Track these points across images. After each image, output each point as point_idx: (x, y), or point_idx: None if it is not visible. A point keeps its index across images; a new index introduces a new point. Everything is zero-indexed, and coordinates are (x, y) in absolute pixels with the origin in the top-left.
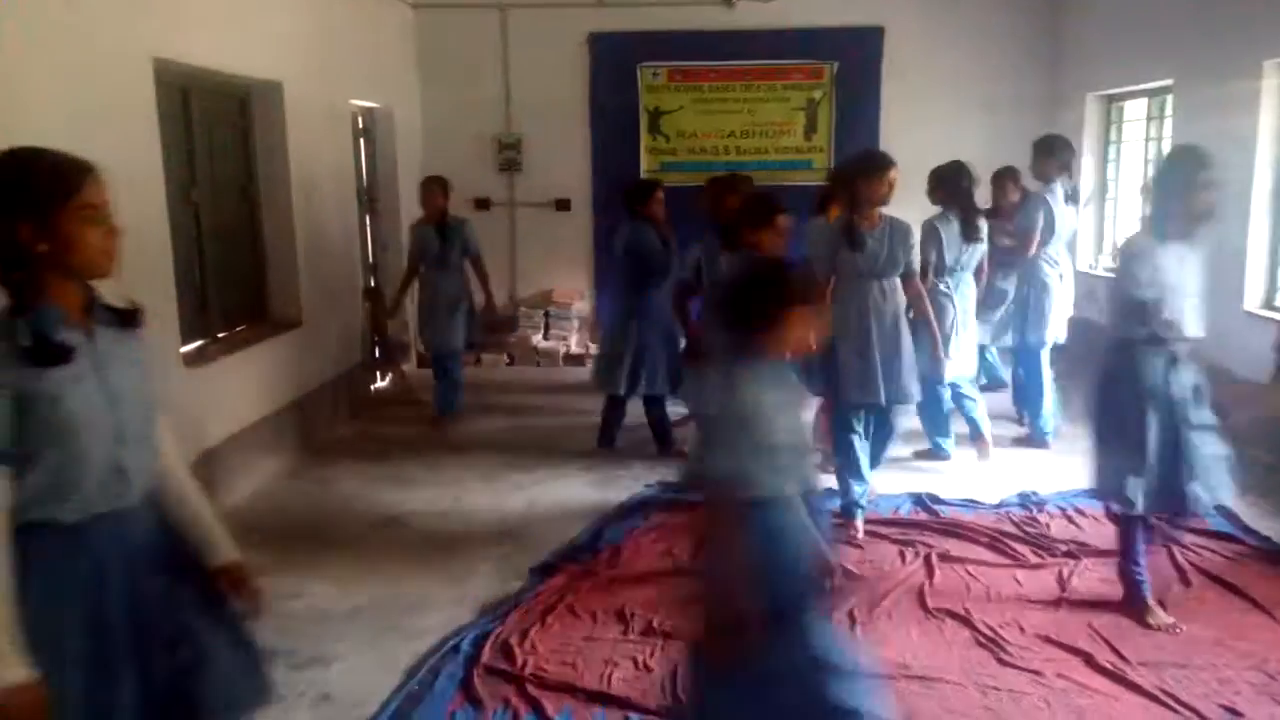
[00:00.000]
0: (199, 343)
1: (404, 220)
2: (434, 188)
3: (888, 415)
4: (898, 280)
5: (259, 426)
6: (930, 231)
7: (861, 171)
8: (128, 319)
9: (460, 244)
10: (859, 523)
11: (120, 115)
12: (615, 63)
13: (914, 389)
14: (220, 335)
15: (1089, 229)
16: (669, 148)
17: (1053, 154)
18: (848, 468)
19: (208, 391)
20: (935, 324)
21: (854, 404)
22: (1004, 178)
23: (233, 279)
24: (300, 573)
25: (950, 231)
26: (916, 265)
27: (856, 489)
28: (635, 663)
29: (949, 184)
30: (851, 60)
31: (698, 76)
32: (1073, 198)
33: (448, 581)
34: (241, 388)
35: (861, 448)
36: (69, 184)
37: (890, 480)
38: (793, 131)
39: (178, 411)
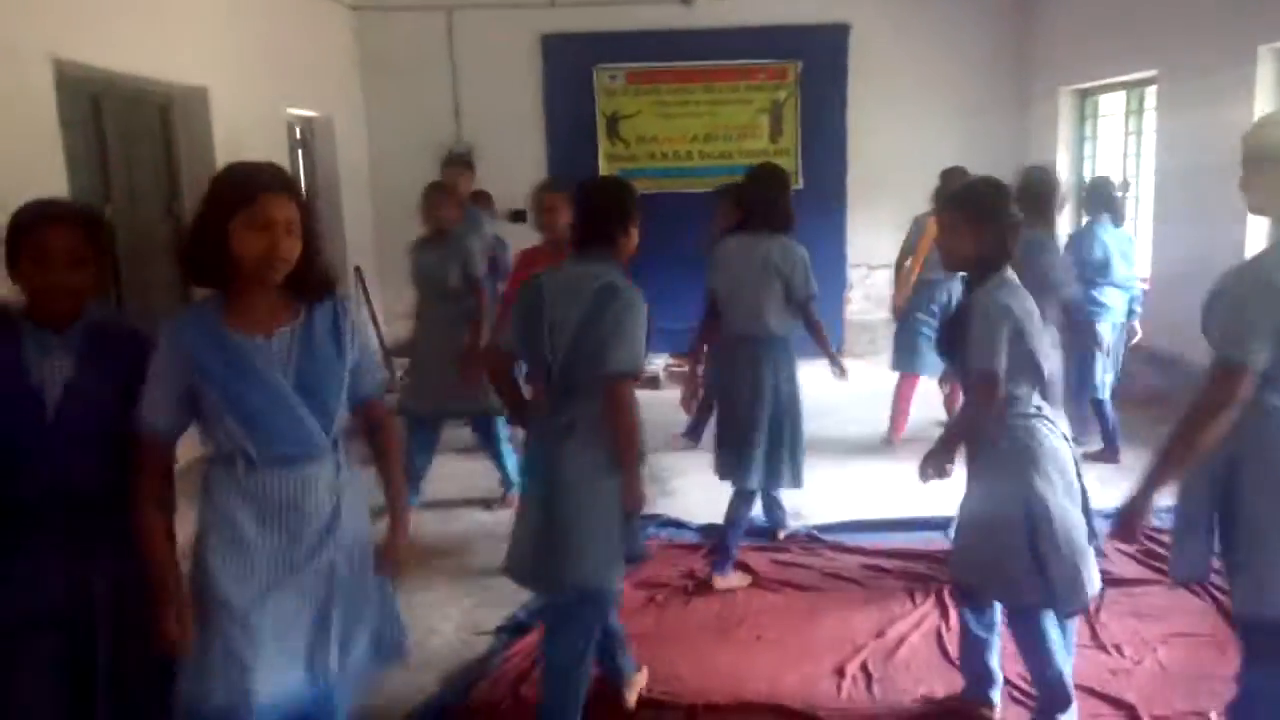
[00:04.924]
0: None
1: (348, 237)
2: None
3: None
4: None
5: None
6: None
7: None
8: None
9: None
10: None
11: (14, 122)
12: (570, 65)
13: None
14: None
15: (1065, 229)
16: (629, 153)
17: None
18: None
19: None
20: None
21: None
22: (952, 176)
23: (155, 305)
24: None
25: None
26: None
27: None
28: None
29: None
30: (816, 59)
31: (656, 78)
32: None
33: None
34: None
35: None
36: None
37: (878, 501)
38: (758, 134)
39: None
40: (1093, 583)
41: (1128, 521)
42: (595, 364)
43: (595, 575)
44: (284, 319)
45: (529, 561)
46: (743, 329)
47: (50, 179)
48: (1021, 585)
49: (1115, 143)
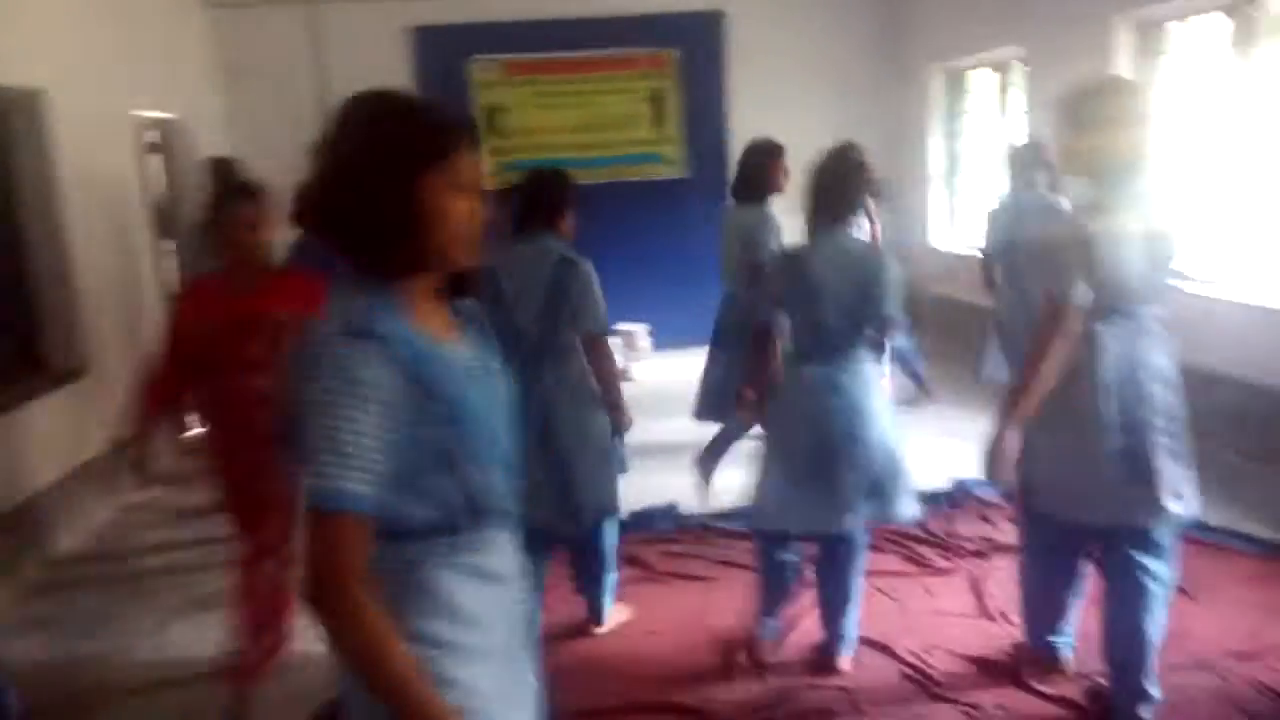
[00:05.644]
0: None
1: None
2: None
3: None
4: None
5: (22, 511)
6: None
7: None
8: None
9: None
10: None
11: None
12: (444, 58)
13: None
14: None
15: (939, 206)
16: (509, 146)
17: None
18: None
19: None
20: None
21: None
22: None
23: None
24: None
25: None
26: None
27: None
28: None
29: None
30: (694, 47)
31: (534, 69)
32: None
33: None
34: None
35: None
36: None
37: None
38: (639, 124)
39: None
40: (796, 516)
41: (993, 455)
42: (568, 329)
43: (609, 498)
44: (451, 323)
45: (539, 510)
46: (729, 290)
47: None
48: None
49: (986, 119)
